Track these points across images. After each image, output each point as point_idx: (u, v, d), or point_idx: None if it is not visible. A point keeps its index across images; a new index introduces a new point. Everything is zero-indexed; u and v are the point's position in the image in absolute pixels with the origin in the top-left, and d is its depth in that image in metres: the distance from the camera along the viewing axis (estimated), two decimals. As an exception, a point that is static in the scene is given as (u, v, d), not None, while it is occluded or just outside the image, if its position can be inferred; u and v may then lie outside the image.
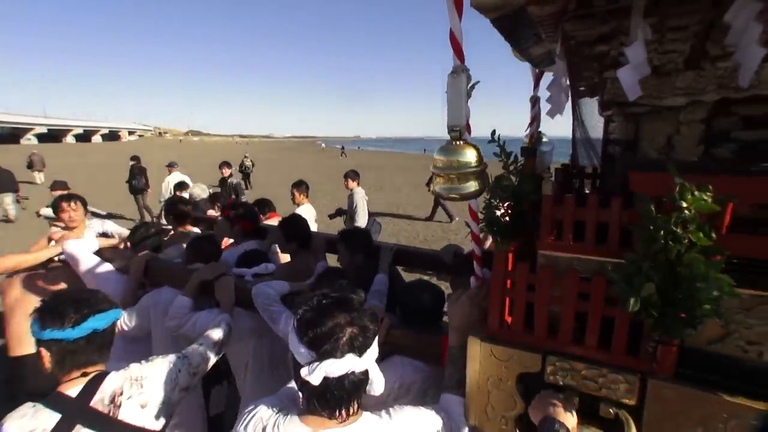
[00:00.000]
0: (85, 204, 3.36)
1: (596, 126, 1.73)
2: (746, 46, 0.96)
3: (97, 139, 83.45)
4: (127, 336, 2.15)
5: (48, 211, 5.33)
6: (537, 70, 1.81)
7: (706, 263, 0.84)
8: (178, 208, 3.32)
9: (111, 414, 1.23)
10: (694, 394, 0.95)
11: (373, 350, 1.01)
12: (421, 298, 1.70)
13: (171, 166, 9.37)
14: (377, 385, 1.03)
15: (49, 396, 1.21)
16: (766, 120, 1.12)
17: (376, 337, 1.03)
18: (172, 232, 3.31)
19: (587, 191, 1.76)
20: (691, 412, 0.96)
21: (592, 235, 1.11)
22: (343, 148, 51.31)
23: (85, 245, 2.42)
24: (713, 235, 0.85)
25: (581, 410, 1.09)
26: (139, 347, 2.16)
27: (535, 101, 1.89)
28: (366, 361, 0.98)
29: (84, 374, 1.27)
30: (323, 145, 77.45)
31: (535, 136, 1.88)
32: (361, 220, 5.81)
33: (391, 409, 1.12)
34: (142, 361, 1.43)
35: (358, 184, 6.19)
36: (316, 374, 0.92)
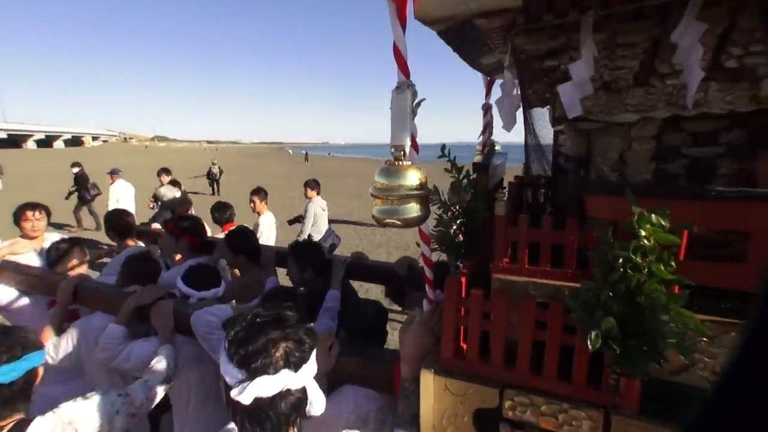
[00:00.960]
0: (49, 214, 3.01)
1: (548, 134, 1.67)
2: (691, 67, 0.90)
3: (59, 144, 78.31)
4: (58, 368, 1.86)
5: None
6: (488, 78, 1.73)
7: (668, 295, 0.76)
8: (120, 221, 2.96)
9: None
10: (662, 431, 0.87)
11: (311, 366, 0.90)
12: (367, 315, 1.60)
13: (114, 174, 8.14)
14: (317, 404, 0.92)
15: None
16: (713, 136, 1.07)
17: (314, 352, 0.92)
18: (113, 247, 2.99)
19: (541, 201, 1.70)
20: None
21: (547, 258, 1.01)
22: (306, 153, 49.25)
23: None
24: (673, 264, 0.77)
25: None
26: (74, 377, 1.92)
27: (487, 109, 1.80)
28: (303, 378, 0.87)
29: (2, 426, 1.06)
30: (290, 151, 75.97)
31: (488, 145, 1.79)
32: (315, 231, 5.51)
33: None
34: (78, 399, 1.21)
35: (317, 193, 5.87)
36: (246, 393, 0.80)
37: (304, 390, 0.89)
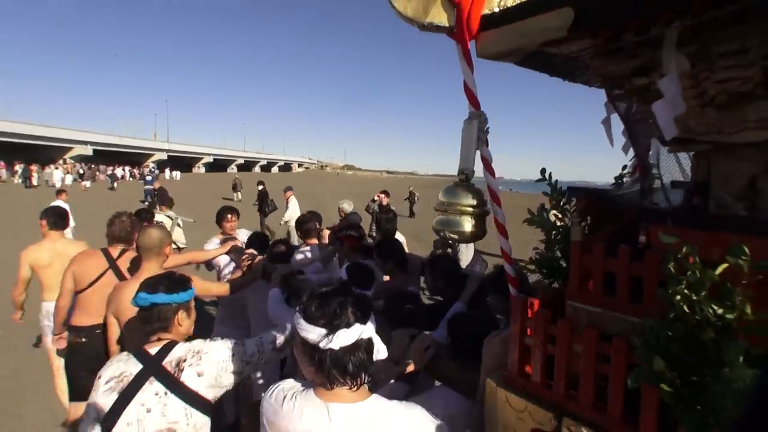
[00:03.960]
0: (238, 216, 4.03)
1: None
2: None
3: (275, 169, 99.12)
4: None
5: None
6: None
7: (735, 346, 0.64)
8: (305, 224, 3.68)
9: (175, 375, 1.43)
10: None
11: (373, 319, 1.09)
12: (472, 328, 1.59)
13: (288, 190, 9.57)
14: (381, 351, 1.22)
15: (138, 350, 1.48)
16: None
17: (371, 309, 1.10)
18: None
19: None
20: None
21: (624, 290, 0.93)
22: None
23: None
24: (746, 309, 0.64)
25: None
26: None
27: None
28: (369, 329, 1.07)
29: (159, 339, 1.52)
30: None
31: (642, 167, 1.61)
32: (464, 255, 5.67)
33: (404, 402, 1.14)
34: (208, 340, 1.59)
35: None
36: (336, 341, 1.00)
37: (371, 339, 1.07)
